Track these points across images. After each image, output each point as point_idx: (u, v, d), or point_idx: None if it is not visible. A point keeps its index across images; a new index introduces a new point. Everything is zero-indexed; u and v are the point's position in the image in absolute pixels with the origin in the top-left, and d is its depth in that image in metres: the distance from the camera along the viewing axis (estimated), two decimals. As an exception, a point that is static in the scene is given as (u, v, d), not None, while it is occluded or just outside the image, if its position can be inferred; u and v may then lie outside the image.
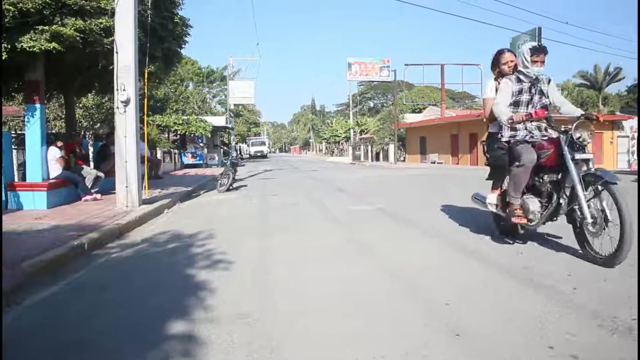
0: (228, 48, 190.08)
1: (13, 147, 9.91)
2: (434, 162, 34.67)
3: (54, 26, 8.07)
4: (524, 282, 4.17)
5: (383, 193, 11.96)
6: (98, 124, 24.63)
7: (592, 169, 4.65)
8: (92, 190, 10.40)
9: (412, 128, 40.68)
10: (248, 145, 74.74)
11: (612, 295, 3.76)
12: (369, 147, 46.05)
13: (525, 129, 5.26)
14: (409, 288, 4.11)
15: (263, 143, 69.35)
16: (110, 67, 8.82)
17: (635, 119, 29.26)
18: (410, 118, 45.60)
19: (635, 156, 26.31)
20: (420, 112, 52.54)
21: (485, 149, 5.97)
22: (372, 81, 55.86)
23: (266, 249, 5.71)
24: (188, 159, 29.99)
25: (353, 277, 4.45)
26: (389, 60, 41.10)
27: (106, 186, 11.06)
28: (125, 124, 8.75)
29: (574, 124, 4.72)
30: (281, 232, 6.78)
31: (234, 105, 53.21)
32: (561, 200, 4.89)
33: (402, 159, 42.50)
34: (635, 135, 28.83)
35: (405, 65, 39.20)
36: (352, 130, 60.81)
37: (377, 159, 44.14)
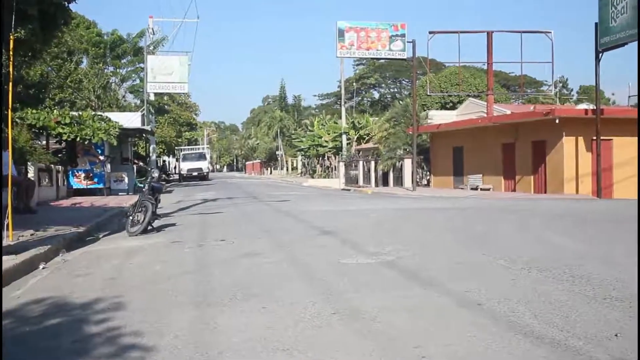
0: (148, 6, 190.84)
1: None
2: (475, 188, 34.96)
3: None
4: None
5: (394, 238, 12.01)
6: None
7: None
8: None
9: (440, 133, 41.12)
10: (178, 160, 74.62)
11: None
12: (372, 163, 46.35)
13: None
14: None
15: (202, 156, 69.44)
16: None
17: None
18: (439, 117, 46.13)
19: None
20: (453, 107, 53.21)
21: None
22: (377, 58, 56.41)
23: (206, 329, 5.69)
24: (80, 182, 29.84)
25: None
26: (404, 26, 41.49)
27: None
28: (-21, 124, 8.72)
29: None
30: (230, 300, 6.76)
31: (156, 95, 53.27)
32: None
33: (424, 182, 42.79)
34: None
35: (431, 33, 39.65)
36: (344, 136, 61.28)
37: (385, 182, 44.37)
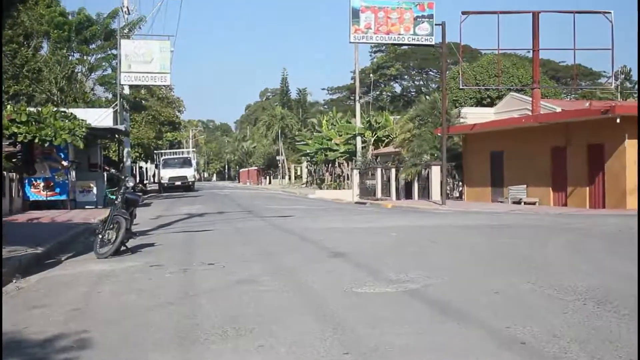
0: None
1: None
2: (518, 202, 34.87)
3: None
4: None
5: (419, 262, 12.00)
6: None
7: None
8: None
9: (476, 135, 41.01)
10: (158, 166, 74.68)
11: None
12: (393, 171, 46.29)
13: None
14: None
15: (186, 162, 69.55)
16: None
17: None
18: (474, 115, 46.03)
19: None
20: (492, 103, 53.14)
21: None
22: (399, 44, 56.53)
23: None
24: (38, 192, 29.84)
25: None
26: (432, 5, 41.53)
27: None
28: None
29: None
30: (220, 336, 6.76)
31: (131, 87, 53.36)
32: None
33: (456, 194, 42.68)
34: None
35: (464, 14, 39.65)
36: (359, 139, 61.29)
37: (408, 194, 44.29)
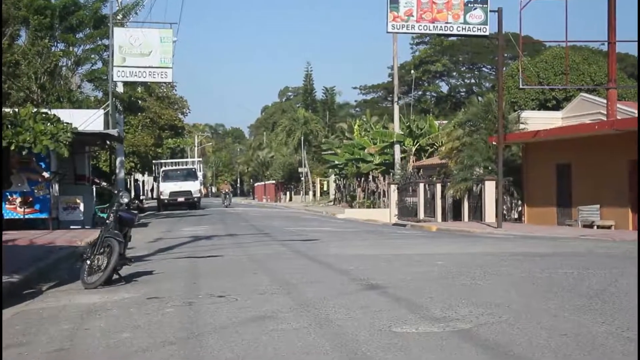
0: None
1: None
2: (590, 225, 34.59)
3: None
4: None
5: (471, 297, 11.95)
6: None
7: None
8: None
9: (538, 144, 40.80)
10: (157, 179, 74.88)
11: None
12: (438, 187, 46.17)
13: None
14: None
15: (191, 174, 69.72)
16: None
17: None
18: (536, 121, 45.86)
19: None
20: (558, 106, 52.96)
21: None
22: (447, 35, 56.37)
23: None
24: (14, 209, 29.95)
25: None
26: (486, -11, 41.74)
27: None
28: None
29: None
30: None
31: (125, 85, 53.60)
32: None
33: (514, 214, 42.51)
34: None
35: (524, -1, 39.75)
36: (397, 147, 61.22)
37: (457, 214, 44.14)
